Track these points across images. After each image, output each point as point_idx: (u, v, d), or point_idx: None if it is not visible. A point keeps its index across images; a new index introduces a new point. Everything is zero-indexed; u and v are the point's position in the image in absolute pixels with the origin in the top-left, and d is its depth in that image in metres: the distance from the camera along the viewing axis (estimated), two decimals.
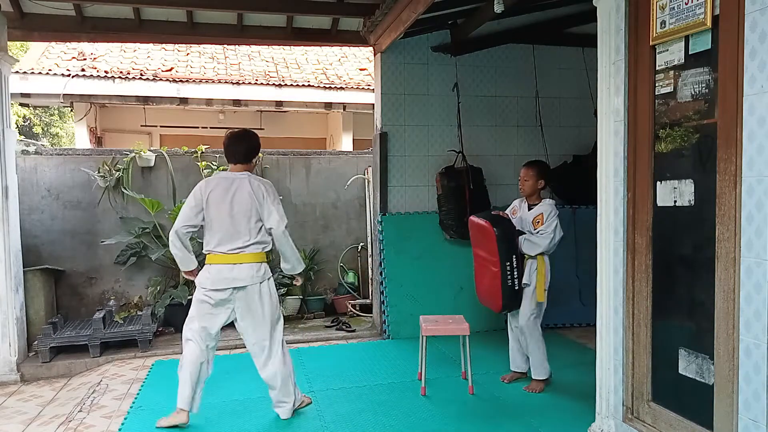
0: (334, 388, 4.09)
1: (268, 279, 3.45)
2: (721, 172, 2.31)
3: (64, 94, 7.81)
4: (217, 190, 3.38)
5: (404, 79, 5.46)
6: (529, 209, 4.00)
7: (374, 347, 5.11)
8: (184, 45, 9.29)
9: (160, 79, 8.19)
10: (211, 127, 10.36)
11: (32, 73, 7.66)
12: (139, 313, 5.50)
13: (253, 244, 3.37)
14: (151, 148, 6.24)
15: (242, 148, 3.48)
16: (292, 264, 3.58)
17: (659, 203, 2.70)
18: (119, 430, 3.45)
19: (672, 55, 2.59)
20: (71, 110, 9.98)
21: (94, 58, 8.55)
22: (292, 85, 8.65)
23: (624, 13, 2.82)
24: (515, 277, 3.75)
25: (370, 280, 6.28)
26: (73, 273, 5.78)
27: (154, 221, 5.75)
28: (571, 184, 5.70)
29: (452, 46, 5.46)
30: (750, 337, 2.17)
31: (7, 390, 4.49)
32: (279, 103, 8.74)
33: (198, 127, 10.35)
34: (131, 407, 3.79)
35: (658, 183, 2.70)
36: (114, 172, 5.83)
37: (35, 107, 13.49)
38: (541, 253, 3.85)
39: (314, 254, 6.45)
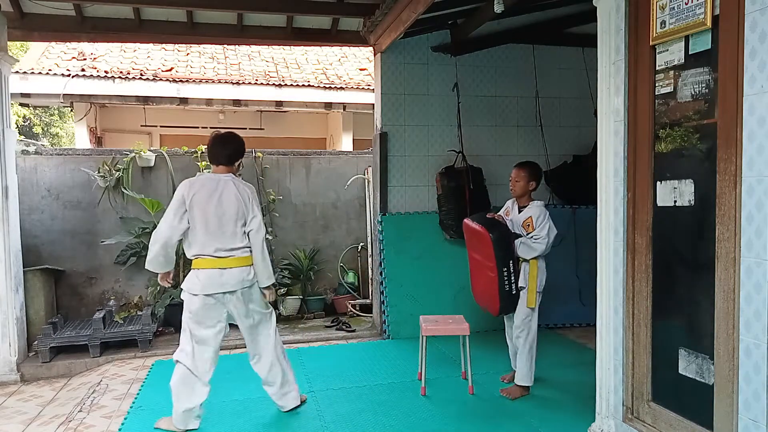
0: (334, 388, 4.09)
1: (257, 281, 3.44)
2: (721, 172, 2.31)
3: (64, 94, 7.81)
4: (201, 192, 3.28)
5: (404, 79, 5.46)
6: (520, 211, 3.91)
7: (374, 347, 5.11)
8: (184, 45, 9.29)
9: (160, 79, 8.19)
10: (211, 127, 10.35)
11: (32, 73, 7.66)
12: (139, 313, 5.50)
13: (241, 247, 3.33)
14: (151, 148, 6.24)
15: (227, 150, 3.41)
16: (261, 274, 3.42)
17: (659, 203, 2.70)
18: (119, 430, 3.45)
19: (672, 55, 2.59)
20: (71, 110, 9.98)
21: (94, 58, 8.55)
22: (292, 85, 8.65)
23: (624, 13, 2.82)
24: (512, 281, 3.70)
25: (370, 280, 6.28)
26: (73, 273, 5.78)
27: (154, 221, 5.72)
28: (571, 184, 5.70)
29: (452, 46, 5.46)
30: (750, 337, 2.17)
31: (7, 390, 4.49)
32: (279, 103, 8.75)
33: (198, 127, 10.35)
34: (131, 407, 3.79)
35: (658, 183, 2.70)
36: (114, 172, 5.83)
37: (35, 107, 13.49)
38: (536, 257, 3.78)
39: (314, 254, 6.46)
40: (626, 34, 2.82)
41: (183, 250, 3.43)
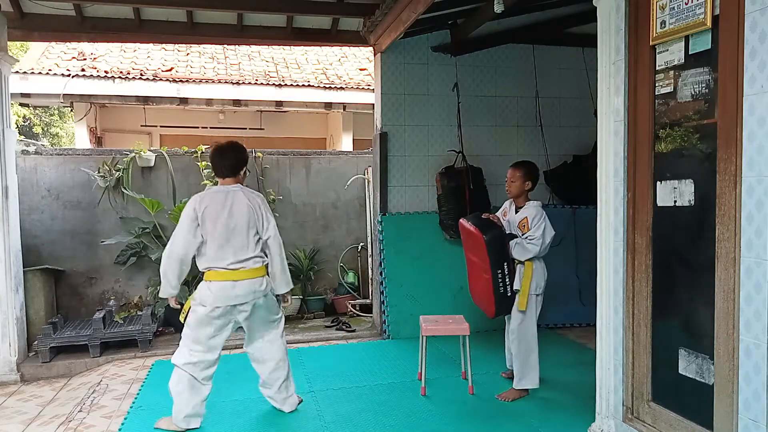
0: (334, 388, 4.09)
1: (271, 290, 3.45)
2: (721, 172, 2.31)
3: (64, 94, 7.81)
4: (212, 206, 3.28)
5: (404, 79, 5.46)
6: (516, 212, 3.87)
7: (374, 347, 5.11)
8: (184, 45, 9.29)
9: (160, 79, 8.19)
10: (211, 127, 10.37)
11: (32, 73, 7.66)
12: (139, 313, 5.50)
13: (253, 258, 3.32)
14: (151, 148, 6.24)
15: (227, 161, 3.40)
16: (280, 281, 3.47)
17: (659, 203, 2.70)
18: (119, 430, 3.45)
19: (672, 55, 2.59)
20: (71, 110, 9.99)
21: (94, 58, 8.55)
22: (292, 85, 8.65)
23: (624, 13, 2.82)
24: (507, 283, 3.65)
25: (370, 280, 6.28)
26: (73, 273, 5.78)
27: (154, 221, 5.76)
28: (571, 184, 5.70)
29: (452, 46, 5.46)
30: (750, 337, 2.17)
31: (7, 390, 4.49)
32: (279, 103, 8.75)
33: (198, 127, 10.36)
34: (131, 407, 3.79)
35: (658, 183, 2.70)
36: (114, 172, 5.83)
37: (35, 107, 13.50)
38: (530, 259, 3.72)
39: (314, 254, 6.46)
40: (626, 34, 2.82)
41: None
